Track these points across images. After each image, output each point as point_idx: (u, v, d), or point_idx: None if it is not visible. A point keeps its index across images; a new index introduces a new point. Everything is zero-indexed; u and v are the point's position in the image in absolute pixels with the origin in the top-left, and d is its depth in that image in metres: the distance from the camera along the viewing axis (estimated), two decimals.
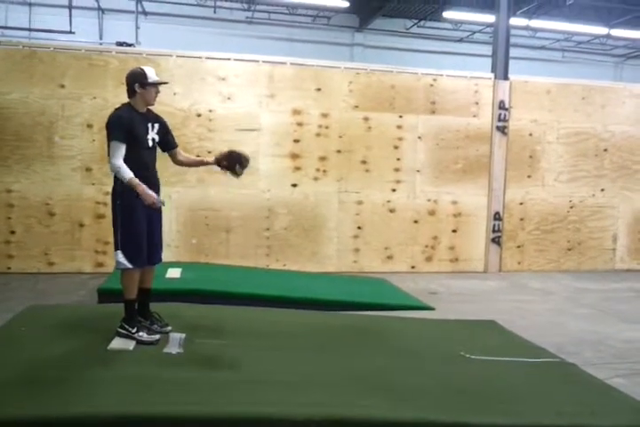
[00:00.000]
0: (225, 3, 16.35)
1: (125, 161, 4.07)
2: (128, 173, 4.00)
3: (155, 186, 4.28)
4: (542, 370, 4.18)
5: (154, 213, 4.25)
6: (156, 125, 4.30)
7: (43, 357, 3.82)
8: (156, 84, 4.22)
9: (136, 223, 4.11)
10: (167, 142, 4.43)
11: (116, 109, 4.22)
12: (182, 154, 4.58)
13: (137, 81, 4.17)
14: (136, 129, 4.13)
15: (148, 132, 4.22)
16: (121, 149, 4.03)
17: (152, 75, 4.21)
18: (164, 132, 4.40)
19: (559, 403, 3.51)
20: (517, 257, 9.27)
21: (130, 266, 4.09)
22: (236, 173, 4.41)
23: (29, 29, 13.91)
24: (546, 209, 9.33)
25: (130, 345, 4.06)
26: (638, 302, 7.32)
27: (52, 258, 7.83)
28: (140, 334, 4.14)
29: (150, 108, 4.37)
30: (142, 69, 4.22)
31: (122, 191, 4.10)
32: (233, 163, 4.40)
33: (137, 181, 4.01)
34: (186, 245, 8.19)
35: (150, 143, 4.24)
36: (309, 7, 16.25)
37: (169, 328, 4.36)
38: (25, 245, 7.77)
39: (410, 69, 8.99)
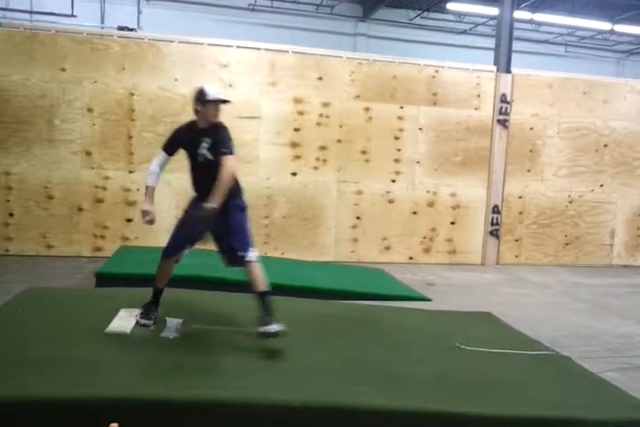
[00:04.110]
0: None
1: (190, 173, 4.30)
2: (147, 181, 4.33)
3: (203, 200, 4.18)
4: (536, 362, 4.20)
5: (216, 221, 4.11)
6: (208, 140, 4.12)
7: (40, 339, 3.82)
8: (214, 102, 4.15)
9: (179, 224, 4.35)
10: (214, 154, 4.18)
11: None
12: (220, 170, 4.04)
13: (197, 98, 4.15)
14: (185, 144, 4.21)
15: (198, 148, 4.14)
16: (159, 155, 4.31)
17: (212, 92, 4.15)
18: (214, 146, 4.15)
19: (552, 395, 3.53)
20: (515, 250, 9.29)
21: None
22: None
23: (31, 12, 13.81)
24: (544, 203, 9.35)
25: (127, 328, 4.08)
26: (634, 297, 7.35)
27: (51, 241, 7.83)
28: (140, 316, 4.26)
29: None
30: (202, 87, 4.20)
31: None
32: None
33: (147, 191, 4.29)
34: None
35: (200, 158, 4.14)
36: None
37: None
38: (23, 227, 7.77)
39: (412, 60, 8.97)
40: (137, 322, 4.21)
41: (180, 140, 4.26)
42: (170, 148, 4.31)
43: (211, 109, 4.14)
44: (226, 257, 4.26)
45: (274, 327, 3.91)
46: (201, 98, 4.12)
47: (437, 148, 8.88)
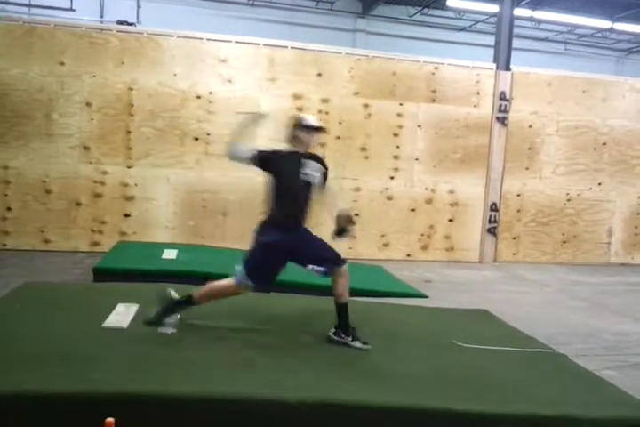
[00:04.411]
0: None
1: (277, 197, 4.26)
2: (238, 147, 4.24)
3: (297, 224, 4.33)
4: (533, 360, 4.20)
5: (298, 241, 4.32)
6: (314, 165, 4.31)
7: (37, 333, 3.81)
8: (314, 129, 4.30)
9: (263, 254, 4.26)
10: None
11: None
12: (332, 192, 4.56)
13: (296, 125, 4.33)
14: (286, 166, 4.23)
15: (302, 168, 4.23)
16: (246, 149, 4.25)
17: (311, 120, 4.34)
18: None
19: (548, 393, 3.53)
20: (513, 248, 9.30)
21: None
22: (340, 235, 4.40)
23: (29, 5, 13.75)
24: (542, 201, 9.35)
25: (124, 323, 4.06)
26: (631, 295, 7.37)
27: (48, 236, 7.82)
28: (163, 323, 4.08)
29: None
30: (301, 115, 4.46)
31: None
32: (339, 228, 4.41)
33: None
34: (182, 226, 8.18)
35: (305, 178, 4.24)
36: None
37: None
38: (21, 222, 7.76)
39: (411, 57, 8.95)
40: (161, 330, 4.03)
41: (280, 161, 4.27)
42: (263, 158, 4.25)
43: (308, 136, 4.29)
44: (326, 265, 4.30)
45: (358, 343, 4.11)
46: (301, 124, 4.29)
47: (436, 145, 8.88)
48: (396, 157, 8.76)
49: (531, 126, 9.21)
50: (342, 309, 4.26)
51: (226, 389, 3.11)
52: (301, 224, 4.35)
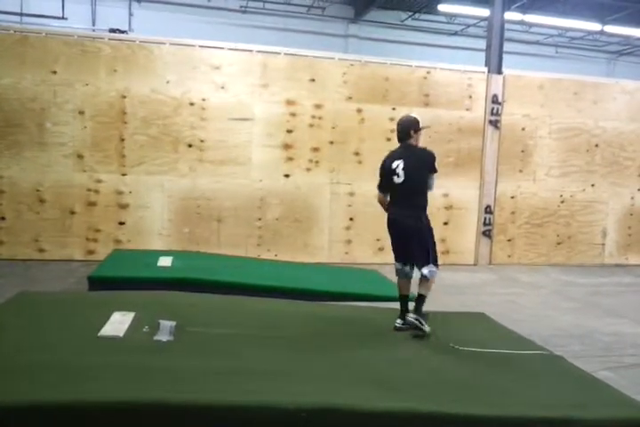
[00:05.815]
0: None
1: None
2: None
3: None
4: (530, 362, 4.22)
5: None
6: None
7: (33, 343, 3.81)
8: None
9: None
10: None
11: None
12: None
13: (412, 127, 4.92)
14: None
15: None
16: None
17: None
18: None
19: (546, 395, 3.55)
20: (508, 250, 9.32)
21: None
22: None
23: (21, 14, 13.77)
24: (536, 203, 9.38)
25: (120, 332, 4.05)
26: (626, 296, 7.39)
27: (43, 245, 7.80)
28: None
29: None
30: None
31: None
32: None
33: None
34: (177, 233, 8.17)
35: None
36: None
37: None
38: (15, 231, 7.73)
39: (404, 62, 9.00)
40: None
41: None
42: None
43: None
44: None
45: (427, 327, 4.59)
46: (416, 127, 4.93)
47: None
48: None
49: (523, 129, 9.25)
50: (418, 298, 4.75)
51: (220, 396, 3.09)
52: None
